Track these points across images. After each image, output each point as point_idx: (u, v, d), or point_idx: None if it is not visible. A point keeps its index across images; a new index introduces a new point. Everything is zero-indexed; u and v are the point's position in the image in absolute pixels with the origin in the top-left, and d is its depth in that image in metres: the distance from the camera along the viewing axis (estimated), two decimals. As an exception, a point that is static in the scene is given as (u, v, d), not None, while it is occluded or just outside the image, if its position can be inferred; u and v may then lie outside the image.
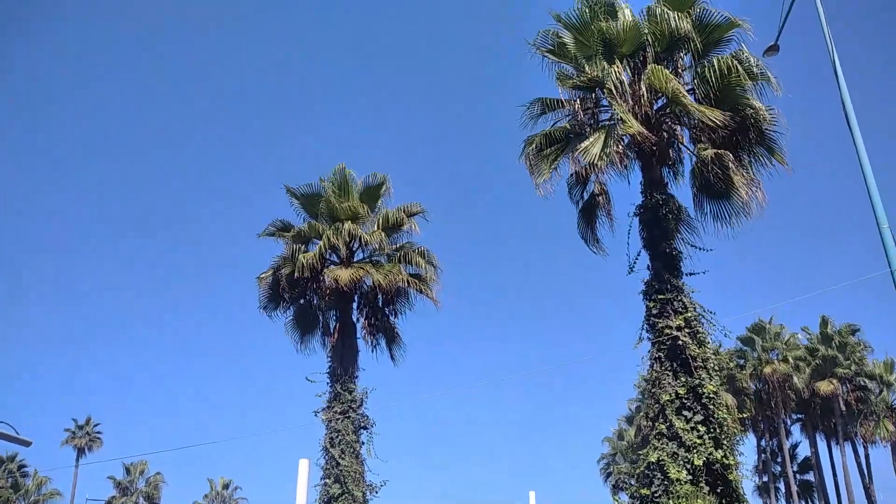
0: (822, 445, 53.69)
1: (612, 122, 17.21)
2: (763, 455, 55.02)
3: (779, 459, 54.69)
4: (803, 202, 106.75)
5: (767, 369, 49.23)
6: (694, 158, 17.33)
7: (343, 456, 20.05)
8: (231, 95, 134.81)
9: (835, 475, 51.98)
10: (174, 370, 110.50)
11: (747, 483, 57.04)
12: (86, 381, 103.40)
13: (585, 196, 18.34)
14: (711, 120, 15.21)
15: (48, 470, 67.13)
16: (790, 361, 49.80)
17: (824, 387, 48.36)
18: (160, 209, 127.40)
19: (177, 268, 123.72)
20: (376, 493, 20.49)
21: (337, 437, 20.35)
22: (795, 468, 54.94)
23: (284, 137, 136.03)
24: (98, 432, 66.45)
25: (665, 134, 17.46)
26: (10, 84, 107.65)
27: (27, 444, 18.87)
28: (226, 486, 67.41)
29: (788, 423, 55.22)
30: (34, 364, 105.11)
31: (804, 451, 55.91)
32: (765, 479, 54.52)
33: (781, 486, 54.80)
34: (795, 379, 49.22)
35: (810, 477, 54.67)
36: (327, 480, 20.01)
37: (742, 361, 51.67)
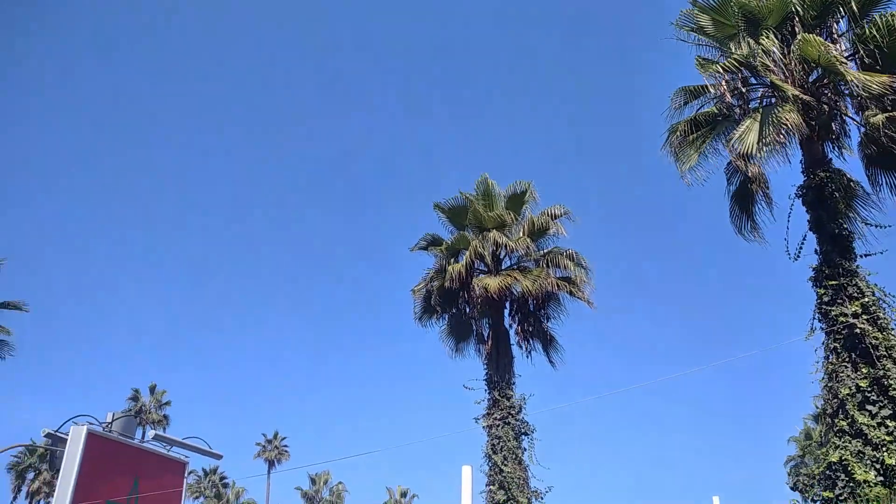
0: None
1: (765, 102, 16.17)
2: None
3: None
4: None
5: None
6: (861, 128, 15.85)
7: (506, 462, 20.14)
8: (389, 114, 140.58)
9: None
10: (346, 384, 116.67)
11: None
12: (272, 397, 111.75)
13: (738, 181, 17.29)
14: (876, 86, 13.82)
15: (244, 479, 73.13)
16: None
17: None
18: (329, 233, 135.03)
19: (347, 283, 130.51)
20: (541, 499, 20.38)
21: (498, 443, 20.48)
22: None
23: (431, 148, 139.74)
24: (285, 446, 71.52)
25: (825, 107, 16.11)
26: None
27: (218, 457, 20.61)
28: (403, 495, 69.83)
29: None
30: (226, 382, 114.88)
31: None
32: None
33: None
34: None
35: None
36: (492, 487, 20.17)
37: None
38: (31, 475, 61.71)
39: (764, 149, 14.55)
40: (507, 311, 22.73)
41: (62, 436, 15.68)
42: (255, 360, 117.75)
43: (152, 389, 63.29)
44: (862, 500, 11.93)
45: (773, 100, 15.89)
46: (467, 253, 21.78)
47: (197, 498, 63.48)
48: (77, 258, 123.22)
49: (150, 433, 18.92)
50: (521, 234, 22.34)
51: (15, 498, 62.23)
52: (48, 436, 16.41)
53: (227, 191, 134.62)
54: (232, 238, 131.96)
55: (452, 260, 22.41)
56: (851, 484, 12.31)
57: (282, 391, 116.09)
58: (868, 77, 14.04)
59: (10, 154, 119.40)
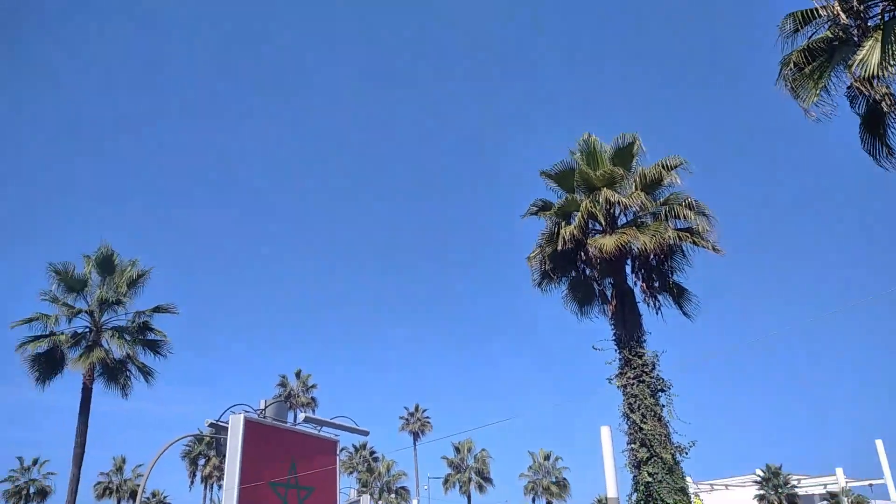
0: None
1: (887, 16, 14.86)
2: None
3: None
4: None
5: None
6: None
7: (644, 420, 19.97)
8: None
9: None
10: (478, 354, 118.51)
11: None
12: (410, 372, 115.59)
13: (867, 106, 16.04)
14: None
15: (392, 452, 76.39)
16: None
17: None
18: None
19: (466, 259, 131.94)
20: (686, 454, 20.08)
21: (635, 401, 20.32)
22: None
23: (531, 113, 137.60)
24: (427, 417, 73.95)
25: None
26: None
27: (365, 433, 21.80)
28: (546, 458, 70.41)
29: None
30: (372, 361, 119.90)
31: None
32: None
33: None
34: None
35: None
36: (633, 445, 20.09)
37: None
38: (202, 461, 67.49)
39: (889, 67, 13.42)
40: (628, 269, 22.32)
41: (223, 424, 17.16)
42: (393, 338, 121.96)
43: (298, 374, 67.13)
44: None
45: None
46: (579, 214, 21.49)
47: (351, 473, 67.06)
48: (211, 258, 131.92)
49: (301, 416, 20.27)
50: (634, 189, 21.72)
51: (192, 483, 68.36)
52: (211, 425, 17.99)
53: (349, 181, 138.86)
54: (361, 227, 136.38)
55: (564, 223, 22.20)
56: None
57: (420, 365, 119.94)
58: None
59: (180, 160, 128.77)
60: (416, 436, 72.99)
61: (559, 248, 21.28)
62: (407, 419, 73.32)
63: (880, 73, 13.68)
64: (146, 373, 28.61)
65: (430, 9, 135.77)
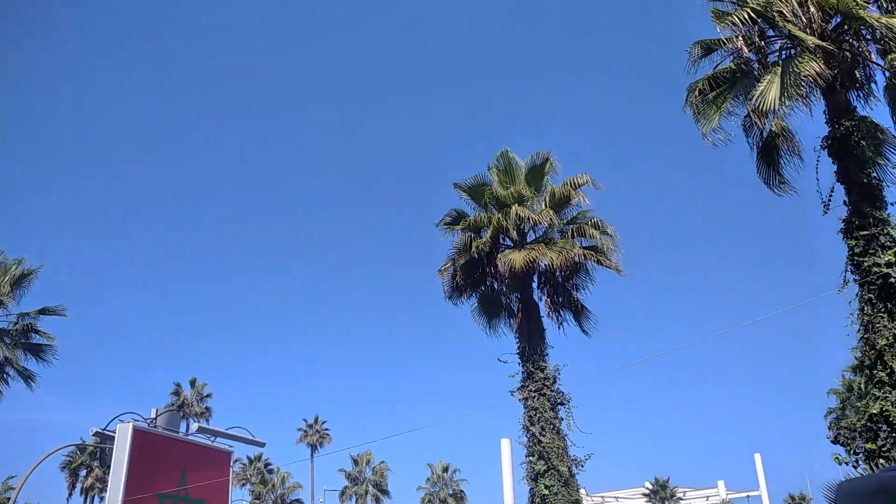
0: None
1: (784, 54, 15.82)
2: None
3: None
4: None
5: None
6: (886, 73, 15.46)
7: (543, 433, 20.28)
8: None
9: None
10: (380, 364, 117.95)
11: None
12: (310, 383, 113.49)
13: (763, 136, 16.99)
14: (896, 27, 13.46)
15: (288, 464, 74.62)
16: None
17: None
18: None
19: (374, 267, 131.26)
20: (582, 466, 20.52)
21: (535, 414, 20.61)
22: None
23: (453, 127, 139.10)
24: (326, 429, 72.54)
25: (847, 54, 15.73)
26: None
27: (262, 444, 21.10)
28: (445, 470, 70.56)
29: None
30: (271, 373, 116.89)
31: None
32: None
33: None
34: None
35: None
36: (531, 458, 20.35)
37: None
38: (83, 472, 63.55)
39: (786, 104, 14.27)
40: (535, 285, 22.72)
41: (110, 433, 16.15)
42: (291, 348, 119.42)
43: (192, 383, 64.49)
44: (906, 450, 11.86)
45: (793, 51, 15.53)
46: (490, 229, 21.73)
47: (244, 485, 64.91)
48: (99, 258, 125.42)
49: (194, 426, 19.40)
50: (544, 207, 22.20)
51: (70, 495, 64.19)
52: (96, 434, 16.92)
53: (251, 184, 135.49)
54: (261, 230, 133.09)
55: (476, 237, 22.38)
56: (894, 434, 12.23)
57: (319, 377, 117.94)
58: (890, 19, 13.68)
59: (41, 150, 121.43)
60: (314, 448, 71.46)
61: (471, 262, 21.44)
62: (305, 431, 71.67)
63: (777, 109, 14.51)
64: (27, 377, 26.66)
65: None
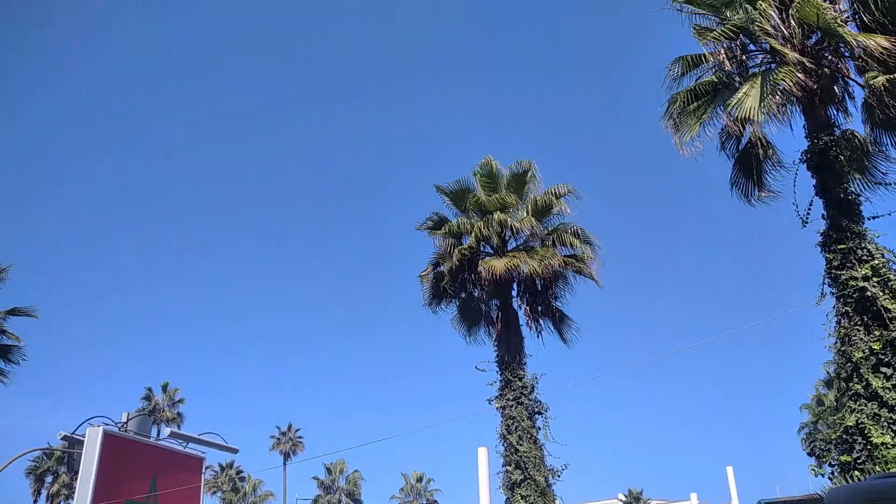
0: None
1: (764, 67, 16.00)
2: None
3: None
4: None
5: None
6: (865, 90, 15.70)
7: (521, 442, 20.21)
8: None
9: None
10: (357, 374, 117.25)
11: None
12: (284, 391, 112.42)
13: (741, 148, 17.15)
14: (875, 47, 13.66)
15: (260, 472, 73.70)
16: None
17: None
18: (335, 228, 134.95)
19: (349, 274, 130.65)
20: (558, 476, 20.47)
21: (512, 423, 20.54)
22: None
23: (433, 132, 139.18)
24: (300, 437, 71.83)
25: (826, 70, 15.96)
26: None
27: (234, 451, 20.69)
28: (419, 479, 70.21)
29: None
30: (243, 380, 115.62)
31: None
32: None
33: None
34: None
35: None
36: (508, 467, 20.26)
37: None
38: (49, 478, 62.20)
39: (763, 111, 14.42)
40: (514, 292, 22.70)
41: (79, 438, 15.73)
42: (267, 353, 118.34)
43: (164, 388, 63.57)
44: (880, 462, 11.93)
45: (773, 66, 15.71)
46: (472, 236, 21.69)
47: (215, 493, 64.00)
48: (77, 259, 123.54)
49: (166, 431, 18.99)
50: (526, 215, 22.23)
51: (35, 501, 62.78)
52: (65, 438, 16.46)
53: (224, 185, 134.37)
54: (236, 232, 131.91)
55: (457, 243, 22.32)
56: (869, 447, 12.31)
57: (294, 384, 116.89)
58: (866, 39, 13.88)
59: (9, 155, 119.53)
60: (287, 456, 70.68)
61: (452, 268, 21.37)
62: (278, 438, 70.89)
63: (754, 116, 14.67)
64: (-5, 377, 26.08)
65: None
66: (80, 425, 15.89)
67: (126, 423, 17.13)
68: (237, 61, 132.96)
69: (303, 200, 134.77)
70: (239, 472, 66.30)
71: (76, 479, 15.18)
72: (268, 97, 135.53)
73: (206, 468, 21.25)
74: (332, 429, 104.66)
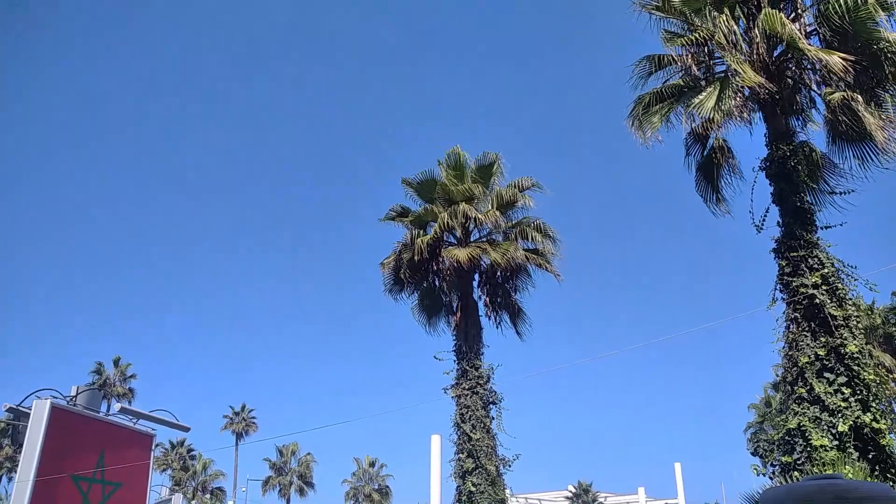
0: None
1: (730, 73, 16.29)
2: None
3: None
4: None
5: (932, 325, 45.07)
6: (824, 103, 16.10)
7: (474, 431, 20.42)
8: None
9: None
10: (314, 357, 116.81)
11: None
12: (241, 372, 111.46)
13: (703, 153, 17.49)
14: (833, 64, 14.04)
15: (211, 451, 73.08)
16: (959, 315, 45.30)
17: None
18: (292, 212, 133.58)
19: (307, 256, 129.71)
20: (509, 466, 20.76)
21: (467, 412, 20.74)
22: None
23: (402, 125, 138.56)
24: (253, 418, 71.31)
25: (790, 80, 16.33)
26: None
27: (186, 429, 20.58)
28: (372, 464, 70.33)
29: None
30: (199, 358, 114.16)
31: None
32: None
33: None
34: (966, 334, 44.69)
35: None
36: (461, 455, 20.47)
37: (901, 319, 47.77)
38: (-8, 450, 60.78)
39: (721, 112, 14.75)
40: (475, 283, 22.88)
41: (24, 410, 15.44)
42: (223, 333, 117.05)
43: (116, 362, 62.48)
44: (818, 464, 12.35)
45: (737, 73, 16.01)
46: (436, 225, 21.77)
47: (164, 470, 63.21)
48: (29, 229, 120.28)
49: (116, 406, 18.73)
50: (490, 207, 22.37)
51: (-25, 473, 61.31)
52: (10, 410, 16.15)
53: (186, 165, 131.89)
54: (196, 211, 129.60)
55: (421, 232, 22.38)
56: (808, 449, 12.73)
57: (250, 365, 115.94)
58: (827, 55, 14.24)
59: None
60: (239, 436, 70.18)
61: (415, 257, 21.42)
62: (231, 418, 70.29)
63: (713, 116, 15.00)
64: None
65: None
66: (26, 397, 15.63)
67: (75, 396, 16.87)
68: (197, 39, 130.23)
69: (266, 182, 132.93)
70: (190, 451, 65.61)
71: (20, 452, 14.92)
72: (231, 80, 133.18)
73: (157, 445, 21.05)
74: (286, 411, 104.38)
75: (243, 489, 68.59)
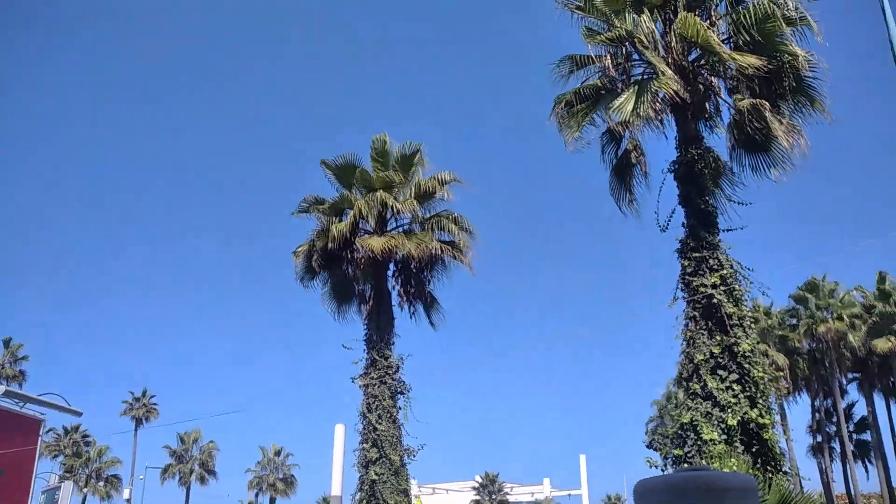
0: (880, 405, 52.35)
1: (646, 76, 16.69)
2: (817, 415, 54.12)
3: (834, 419, 53.73)
4: (852, 151, 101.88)
5: (822, 328, 48.07)
6: (732, 110, 16.74)
7: (380, 421, 20.30)
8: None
9: (893, 434, 50.71)
10: (218, 343, 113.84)
11: (801, 443, 56.31)
12: (142, 356, 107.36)
13: (619, 154, 17.88)
14: (747, 66, 14.58)
15: (107, 437, 70.17)
16: (845, 319, 48.46)
17: (882, 345, 46.72)
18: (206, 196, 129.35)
19: (219, 243, 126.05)
20: (413, 456, 20.76)
21: (374, 402, 20.59)
22: (852, 428, 53.84)
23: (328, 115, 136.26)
24: (154, 404, 68.72)
25: (701, 86, 16.88)
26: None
27: (78, 413, 19.62)
28: (277, 453, 69.18)
29: (844, 382, 54.04)
30: (98, 343, 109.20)
31: (861, 410, 54.64)
32: (818, 439, 53.66)
33: (837, 445, 53.82)
34: (851, 337, 47.86)
35: (867, 436, 53.52)
36: (365, 445, 20.33)
37: (794, 321, 50.71)
38: None
39: (639, 114, 15.10)
40: (390, 273, 22.67)
41: None
42: (128, 319, 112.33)
43: (7, 343, 58.94)
44: (706, 457, 12.87)
45: (654, 75, 16.43)
46: (352, 212, 21.45)
47: (56, 457, 60.17)
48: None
49: (1, 388, 17.62)
50: (409, 197, 22.21)
51: None
52: None
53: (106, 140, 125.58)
54: (114, 193, 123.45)
55: (336, 220, 21.99)
56: (699, 442, 13.25)
57: (152, 351, 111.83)
58: (742, 57, 14.77)
59: None
60: (139, 422, 67.51)
61: (329, 245, 21.03)
62: (131, 404, 67.50)
63: (631, 120, 15.36)
64: None
65: None
66: None
67: (-48, 377, 15.73)
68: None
69: (190, 171, 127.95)
70: (85, 437, 62.71)
71: None
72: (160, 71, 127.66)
73: (48, 431, 20.01)
74: (188, 397, 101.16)
75: (141, 477, 66.10)
